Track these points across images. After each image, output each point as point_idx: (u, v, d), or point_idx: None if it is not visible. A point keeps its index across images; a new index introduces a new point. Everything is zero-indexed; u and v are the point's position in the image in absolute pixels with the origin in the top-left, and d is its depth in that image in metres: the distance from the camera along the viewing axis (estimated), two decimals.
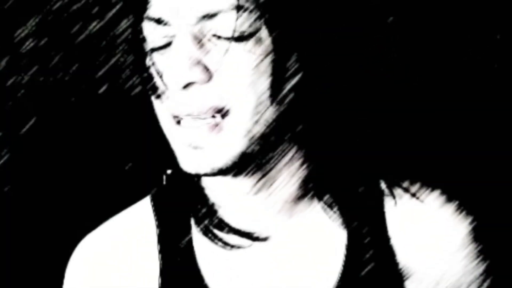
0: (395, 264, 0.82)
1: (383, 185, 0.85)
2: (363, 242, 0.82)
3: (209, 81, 0.73)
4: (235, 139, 0.74)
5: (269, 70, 0.73)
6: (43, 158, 1.22)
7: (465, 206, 0.84)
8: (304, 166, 0.82)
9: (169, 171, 0.89)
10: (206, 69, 0.73)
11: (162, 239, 0.85)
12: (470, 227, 0.84)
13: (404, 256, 0.83)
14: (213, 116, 0.74)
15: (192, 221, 0.86)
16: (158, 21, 0.74)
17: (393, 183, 0.85)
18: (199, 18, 0.73)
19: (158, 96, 0.77)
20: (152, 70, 0.76)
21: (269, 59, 0.73)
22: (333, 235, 0.83)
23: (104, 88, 1.18)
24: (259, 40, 0.73)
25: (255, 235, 0.82)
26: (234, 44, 0.72)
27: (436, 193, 0.85)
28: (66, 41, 1.17)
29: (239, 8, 0.71)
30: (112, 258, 0.86)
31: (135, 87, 1.08)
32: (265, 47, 0.73)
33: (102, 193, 1.19)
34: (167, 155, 0.82)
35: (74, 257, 0.88)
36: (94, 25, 1.15)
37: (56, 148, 1.22)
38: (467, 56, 1.09)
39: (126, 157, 1.19)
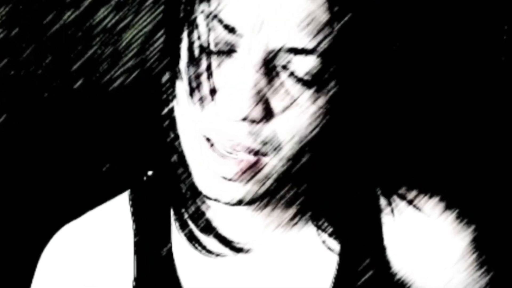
0: (391, 275, 0.82)
1: (380, 194, 0.84)
2: (356, 254, 0.81)
3: (266, 121, 0.70)
4: (265, 179, 0.73)
5: (319, 123, 0.72)
6: (14, 157, 1.20)
7: (466, 214, 0.83)
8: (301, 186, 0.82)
9: (149, 173, 0.88)
10: (269, 108, 0.70)
11: (139, 245, 0.85)
12: (471, 236, 0.83)
13: (402, 267, 0.82)
14: (250, 152, 0.72)
15: (174, 226, 0.84)
16: (227, 27, 0.69)
17: (390, 191, 0.84)
18: (279, 48, 0.69)
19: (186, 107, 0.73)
20: (191, 74, 0.72)
21: (324, 112, 0.72)
22: (324, 248, 0.83)
23: (79, 82, 1.15)
24: (324, 92, 0.71)
25: (241, 245, 0.82)
26: (302, 88, 0.70)
27: (435, 200, 0.84)
28: (38, 32, 1.13)
29: (320, 54, 0.69)
30: (86, 255, 0.86)
31: (113, 82, 1.08)
32: (325, 100, 0.71)
33: (77, 196, 1.15)
34: (148, 156, 0.82)
35: (47, 250, 0.87)
36: (69, 15, 1.11)
37: (28, 147, 1.19)
38: (469, 59, 1.09)
39: (103, 157, 1.16)
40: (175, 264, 0.83)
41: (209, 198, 0.74)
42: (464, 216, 0.83)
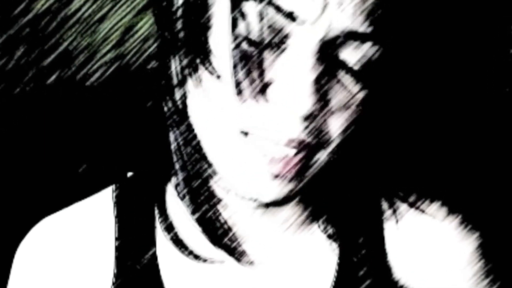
0: (392, 282, 0.81)
1: (382, 198, 0.84)
2: (356, 258, 0.81)
3: (323, 115, 0.69)
4: (308, 175, 0.72)
5: (361, 117, 0.71)
6: None
7: (471, 218, 0.84)
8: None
9: (129, 174, 0.88)
10: (326, 101, 0.69)
11: (121, 248, 0.83)
12: (477, 243, 0.84)
13: (403, 274, 0.82)
14: (303, 148, 0.70)
15: (159, 229, 0.83)
16: (286, 14, 0.66)
17: (393, 194, 0.84)
18: (340, 35, 0.67)
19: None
20: (239, 69, 0.68)
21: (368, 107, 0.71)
22: (324, 251, 0.82)
23: (53, 77, 1.11)
24: (373, 85, 0.71)
25: (232, 250, 0.81)
26: (357, 80, 0.69)
27: (439, 204, 0.85)
28: (8, 22, 1.10)
29: (377, 41, 0.67)
30: (65, 251, 0.85)
31: (90, 77, 1.07)
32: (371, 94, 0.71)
33: (51, 199, 1.08)
34: (128, 155, 0.83)
35: (23, 244, 0.86)
36: (42, 4, 1.08)
37: None
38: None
39: (79, 158, 1.13)
40: (160, 269, 0.82)
41: (244, 197, 0.72)
42: (469, 221, 0.84)
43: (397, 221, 0.83)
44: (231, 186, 0.73)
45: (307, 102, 0.66)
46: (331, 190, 0.81)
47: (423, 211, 0.84)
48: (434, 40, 1.01)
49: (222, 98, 0.70)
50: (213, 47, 0.70)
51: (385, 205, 0.84)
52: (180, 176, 0.80)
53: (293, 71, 0.66)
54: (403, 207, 0.84)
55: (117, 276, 0.82)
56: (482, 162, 1.05)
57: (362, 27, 0.66)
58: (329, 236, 0.83)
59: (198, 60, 0.70)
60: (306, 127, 0.69)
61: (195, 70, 0.72)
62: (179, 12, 0.72)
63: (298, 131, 0.69)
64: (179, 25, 0.72)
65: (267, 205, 0.77)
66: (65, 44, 1.11)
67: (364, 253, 0.81)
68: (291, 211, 0.82)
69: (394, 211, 0.84)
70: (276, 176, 0.70)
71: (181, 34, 0.72)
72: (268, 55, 0.68)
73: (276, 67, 0.68)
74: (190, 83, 0.73)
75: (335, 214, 0.82)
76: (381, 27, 0.67)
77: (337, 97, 0.69)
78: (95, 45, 1.10)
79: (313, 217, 0.83)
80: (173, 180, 0.84)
